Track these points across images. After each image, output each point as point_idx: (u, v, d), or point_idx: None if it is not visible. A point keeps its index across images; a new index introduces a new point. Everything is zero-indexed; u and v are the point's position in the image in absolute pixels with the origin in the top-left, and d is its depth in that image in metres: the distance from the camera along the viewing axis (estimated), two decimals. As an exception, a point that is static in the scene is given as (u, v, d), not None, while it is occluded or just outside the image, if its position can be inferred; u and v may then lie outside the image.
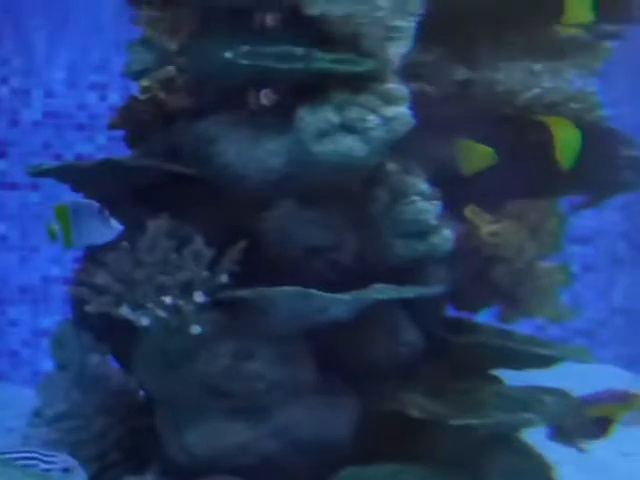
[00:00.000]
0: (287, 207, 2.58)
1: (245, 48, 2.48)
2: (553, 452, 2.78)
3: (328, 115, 2.49)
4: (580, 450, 2.80)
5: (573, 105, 2.77)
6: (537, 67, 2.74)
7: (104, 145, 4.59)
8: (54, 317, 3.01)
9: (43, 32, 4.76)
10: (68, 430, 2.66)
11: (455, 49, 2.75)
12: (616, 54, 2.82)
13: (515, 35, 2.78)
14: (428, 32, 2.58)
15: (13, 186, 4.72)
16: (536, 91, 2.74)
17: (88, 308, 2.52)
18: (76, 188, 2.79)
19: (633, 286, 4.97)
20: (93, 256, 2.63)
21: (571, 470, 2.82)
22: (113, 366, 2.76)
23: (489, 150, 2.69)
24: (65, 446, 2.58)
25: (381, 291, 2.53)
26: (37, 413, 2.71)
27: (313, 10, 2.49)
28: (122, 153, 2.82)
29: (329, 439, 2.59)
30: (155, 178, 2.63)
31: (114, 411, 2.70)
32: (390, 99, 2.53)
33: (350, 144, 2.49)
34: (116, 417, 2.68)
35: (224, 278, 2.49)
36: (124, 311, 2.48)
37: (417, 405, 2.62)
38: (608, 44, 2.82)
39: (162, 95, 2.72)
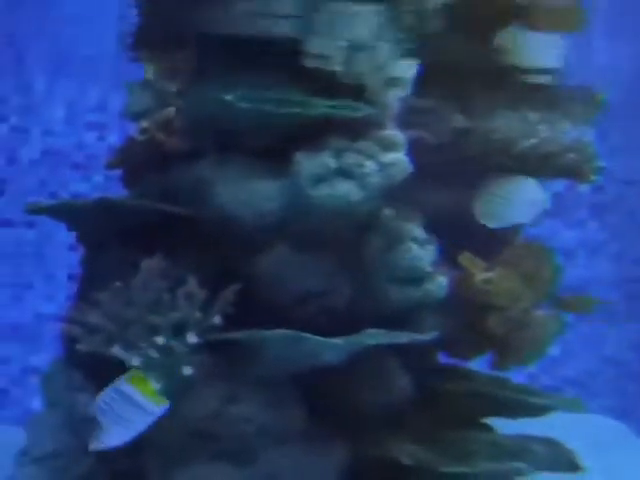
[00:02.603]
0: (281, 251, 2.57)
1: (244, 92, 2.50)
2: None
3: (325, 160, 2.50)
4: None
5: (569, 155, 2.78)
6: (533, 117, 2.76)
7: (101, 184, 4.59)
8: (45, 355, 2.99)
9: (43, 70, 4.78)
10: (54, 470, 2.63)
11: (452, 97, 2.76)
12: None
13: (511, 85, 2.80)
14: (426, 80, 2.60)
15: (9, 223, 4.72)
16: (533, 141, 2.75)
17: (79, 347, 2.51)
18: (71, 227, 2.80)
19: (625, 337, 4.97)
20: (86, 295, 2.62)
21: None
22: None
23: None
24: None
25: (373, 336, 2.51)
26: (24, 452, 2.68)
27: (311, 58, 2.51)
28: (118, 193, 2.82)
29: (317, 486, 2.58)
30: (150, 218, 2.63)
31: (101, 452, 2.68)
32: (387, 145, 2.55)
33: (346, 189, 2.49)
34: (103, 459, 2.66)
35: (217, 320, 2.48)
36: (115, 350, 2.47)
37: (407, 452, 2.62)
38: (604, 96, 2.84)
39: (160, 136, 2.72)
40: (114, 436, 2.44)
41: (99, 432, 2.44)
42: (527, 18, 2.76)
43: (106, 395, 2.44)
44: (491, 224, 2.81)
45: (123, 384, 2.42)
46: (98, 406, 2.44)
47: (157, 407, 2.41)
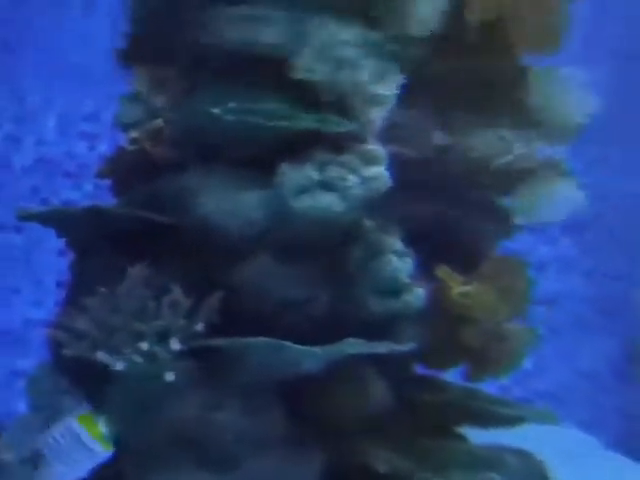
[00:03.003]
0: (264, 260, 2.56)
1: (232, 105, 2.49)
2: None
3: (309, 172, 2.49)
4: None
5: (544, 172, 2.79)
6: (508, 135, 2.76)
7: (91, 192, 4.59)
8: (32, 359, 2.98)
9: (37, 80, 4.78)
10: (35, 473, 2.61)
11: (433, 114, 2.77)
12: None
13: (489, 103, 2.81)
14: (408, 96, 2.60)
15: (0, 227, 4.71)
16: (509, 158, 2.76)
17: (66, 352, 2.50)
18: (61, 233, 2.78)
19: (597, 351, 4.98)
20: (74, 300, 2.61)
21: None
22: (86, 409, 2.72)
23: None
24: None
25: (352, 346, 2.50)
26: (6, 452, 2.66)
27: (297, 72, 2.50)
28: (108, 201, 2.81)
29: (296, 491, 2.56)
30: (137, 226, 2.62)
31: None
32: (369, 159, 2.54)
33: (328, 201, 2.49)
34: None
35: (200, 327, 2.46)
36: (100, 356, 2.46)
37: (384, 459, 2.61)
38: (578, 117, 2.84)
39: (149, 147, 2.72)
40: (57, 475, 2.42)
41: (43, 468, 2.42)
42: (508, 39, 2.77)
43: (55, 431, 2.42)
44: (526, 221, 2.82)
45: (73, 422, 2.41)
46: (46, 441, 2.42)
47: (104, 451, 2.40)
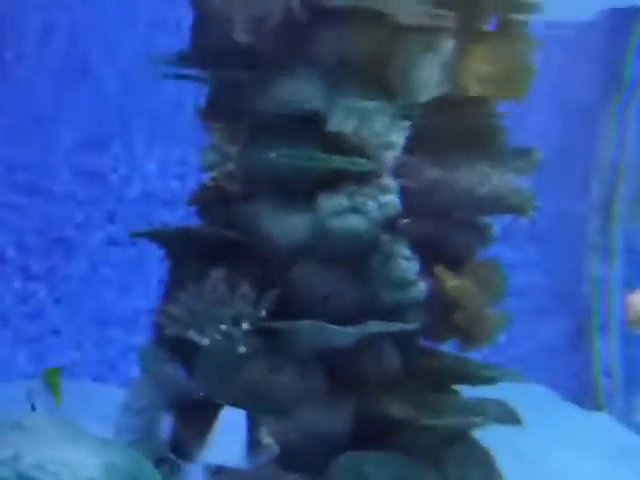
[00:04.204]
0: (308, 265, 2.56)
1: (284, 151, 2.49)
2: (493, 446, 2.72)
3: (341, 200, 2.49)
4: None
5: (514, 198, 2.76)
6: (488, 170, 2.74)
7: (183, 216, 4.60)
8: (141, 337, 2.99)
9: (142, 136, 4.80)
10: (147, 420, 2.61)
11: (429, 155, 2.74)
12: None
13: (472, 146, 2.78)
14: (411, 143, 2.59)
15: (117, 242, 4.72)
16: (487, 187, 2.73)
17: (166, 332, 2.51)
18: (161, 246, 2.79)
19: (555, 329, 4.91)
20: (171, 294, 2.62)
21: (506, 460, 2.76)
22: (182, 374, 2.72)
23: None
24: (143, 432, 2.54)
25: (373, 325, 2.51)
26: (126, 407, 2.67)
27: (331, 127, 2.51)
28: (195, 223, 2.81)
29: (334, 432, 2.55)
30: (216, 241, 2.62)
31: (181, 407, 2.66)
32: (384, 190, 2.54)
33: (355, 221, 2.49)
34: (182, 411, 2.63)
35: (263, 313, 2.47)
36: (191, 334, 2.47)
37: (397, 409, 2.58)
38: (538, 154, 2.81)
39: (224, 183, 2.72)
40: None
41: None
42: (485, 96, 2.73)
43: None
44: None
45: None
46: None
47: None
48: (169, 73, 2.73)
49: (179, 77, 2.74)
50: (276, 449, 2.40)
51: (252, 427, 2.42)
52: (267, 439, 2.42)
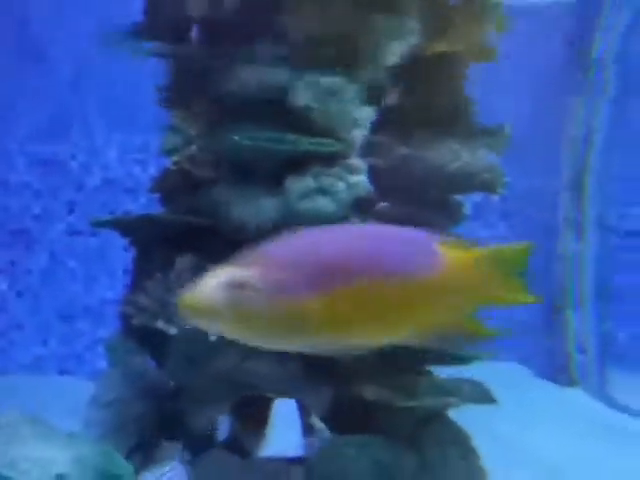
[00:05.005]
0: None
1: (248, 133, 2.47)
2: (469, 426, 2.75)
3: (308, 182, 2.49)
4: None
5: (485, 175, 2.77)
6: (458, 147, 2.74)
7: (145, 204, 4.57)
8: (108, 329, 2.97)
9: (102, 121, 4.75)
10: (115, 413, 2.60)
11: (398, 133, 2.74)
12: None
13: (442, 122, 2.77)
14: (379, 121, 2.59)
15: (79, 233, 4.68)
16: (457, 164, 2.74)
17: (134, 322, 2.50)
18: (124, 234, 2.76)
19: (530, 307, 4.98)
20: (137, 284, 2.60)
21: (483, 439, 2.78)
22: (151, 365, 2.71)
23: None
24: (112, 425, 2.53)
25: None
26: (93, 400, 2.65)
27: (295, 103, 2.48)
28: (157, 210, 2.80)
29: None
30: (181, 228, 2.60)
31: (151, 397, 2.65)
32: (353, 170, 2.53)
33: (323, 203, 2.48)
34: (152, 401, 2.63)
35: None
36: (159, 324, 2.45)
37: (372, 391, 2.59)
38: (508, 131, 2.82)
39: (187, 167, 2.69)
40: None
41: None
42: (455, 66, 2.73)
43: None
44: None
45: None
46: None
47: None
48: (124, 50, 2.67)
49: (135, 53, 2.67)
50: (328, 433, 2.41)
51: (303, 414, 2.42)
52: (319, 424, 2.42)
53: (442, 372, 2.81)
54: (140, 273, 2.68)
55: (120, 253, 3.42)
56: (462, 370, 2.78)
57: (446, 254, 1.54)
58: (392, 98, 2.65)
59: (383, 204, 2.62)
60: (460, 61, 2.73)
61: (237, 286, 1.46)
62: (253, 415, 2.49)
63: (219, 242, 2.55)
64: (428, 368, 2.83)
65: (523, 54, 4.50)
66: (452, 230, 2.87)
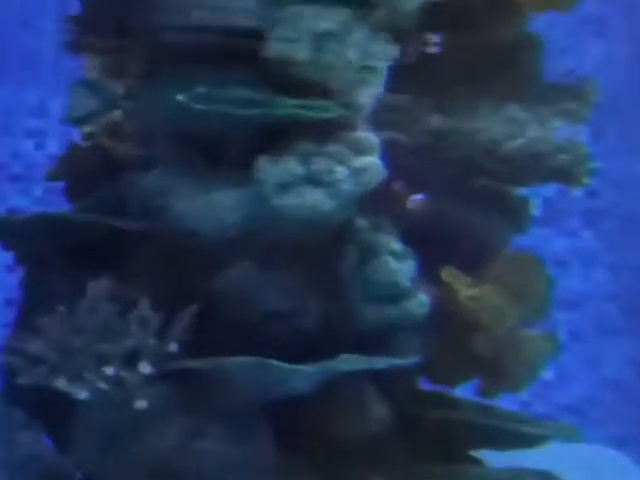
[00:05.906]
0: (244, 267, 2.57)
1: (200, 91, 2.48)
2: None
3: (291, 166, 2.50)
4: None
5: (561, 157, 2.79)
6: (521, 115, 2.76)
7: (41, 198, 4.57)
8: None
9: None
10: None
11: (429, 95, 2.77)
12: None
13: (495, 79, 2.81)
14: (400, 75, 2.61)
15: None
16: (520, 141, 2.76)
17: (20, 380, 2.50)
18: (8, 245, 2.78)
19: (624, 356, 4.99)
20: (26, 321, 2.61)
21: None
22: (47, 445, 2.72)
23: None
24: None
25: (348, 361, 2.51)
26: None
27: (273, 52, 2.50)
28: (61, 207, 2.81)
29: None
30: (97, 234, 2.62)
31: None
32: (360, 149, 2.54)
33: (315, 198, 2.49)
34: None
35: (173, 347, 2.47)
36: (60, 383, 2.46)
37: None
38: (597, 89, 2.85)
39: (107, 143, 2.72)
40: None
41: None
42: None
43: None
44: None
45: None
46: None
47: None
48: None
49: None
50: None
51: None
52: None
53: (497, 458, 2.84)
54: (32, 304, 2.70)
55: (2, 274, 3.36)
56: (527, 455, 2.81)
57: None
58: (419, 46, 2.67)
59: (418, 198, 2.64)
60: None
61: None
62: None
63: (153, 256, 2.57)
64: (474, 453, 2.85)
65: None
66: (513, 239, 2.89)
